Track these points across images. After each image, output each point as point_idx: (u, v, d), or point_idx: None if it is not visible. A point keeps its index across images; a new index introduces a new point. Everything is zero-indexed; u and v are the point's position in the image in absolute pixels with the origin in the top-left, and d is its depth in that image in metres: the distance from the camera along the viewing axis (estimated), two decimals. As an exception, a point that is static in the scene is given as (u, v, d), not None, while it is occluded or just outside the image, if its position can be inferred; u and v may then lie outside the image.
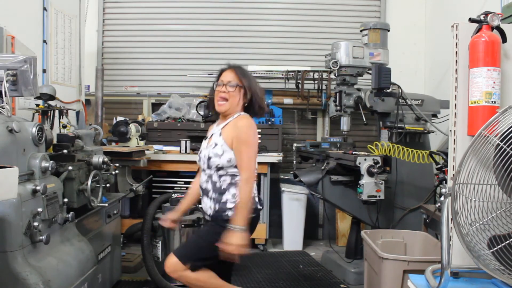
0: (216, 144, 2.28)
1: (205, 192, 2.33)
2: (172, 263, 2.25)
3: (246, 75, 2.37)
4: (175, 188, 4.41)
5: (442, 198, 1.64)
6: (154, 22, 5.36)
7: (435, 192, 3.62)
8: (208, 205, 2.31)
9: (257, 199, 2.37)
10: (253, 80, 2.39)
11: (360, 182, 3.31)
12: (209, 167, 2.29)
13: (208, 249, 2.22)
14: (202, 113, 4.80)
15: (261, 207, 2.40)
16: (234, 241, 2.12)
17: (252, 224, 2.29)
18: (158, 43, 5.36)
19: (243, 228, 2.15)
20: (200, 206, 2.41)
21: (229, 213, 2.23)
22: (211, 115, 4.56)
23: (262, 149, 4.52)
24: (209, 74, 5.02)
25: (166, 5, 5.37)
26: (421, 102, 3.82)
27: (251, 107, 2.38)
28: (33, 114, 3.31)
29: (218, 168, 2.26)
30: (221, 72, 2.38)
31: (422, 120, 3.74)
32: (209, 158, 2.27)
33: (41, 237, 2.02)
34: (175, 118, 4.85)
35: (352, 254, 3.80)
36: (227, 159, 2.24)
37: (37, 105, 3.26)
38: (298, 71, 4.79)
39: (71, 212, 2.37)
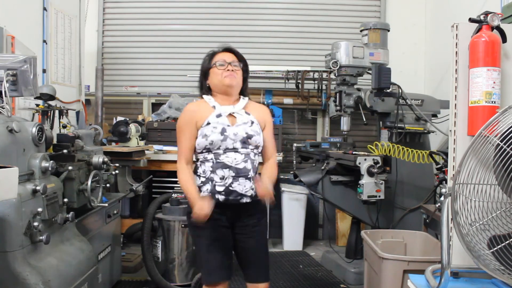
0: (252, 122, 2.20)
1: (243, 172, 2.14)
2: None
3: (242, 57, 2.31)
4: (175, 188, 4.39)
5: (442, 198, 1.64)
6: (154, 22, 5.36)
7: (435, 192, 3.61)
8: (248, 186, 2.14)
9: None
10: (247, 63, 2.34)
11: (360, 182, 3.31)
12: (245, 145, 2.16)
13: None
14: (202, 113, 4.79)
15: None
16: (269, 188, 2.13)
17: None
18: (158, 43, 5.36)
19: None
20: (232, 189, 2.13)
21: (253, 193, 2.20)
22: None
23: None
24: (209, 74, 5.02)
25: (166, 5, 5.37)
26: (421, 102, 3.82)
27: (244, 92, 2.33)
28: (33, 114, 3.31)
29: (256, 146, 2.19)
30: (216, 52, 2.27)
31: (422, 120, 3.74)
32: (249, 136, 2.16)
33: (41, 237, 2.02)
34: (175, 118, 4.84)
35: (352, 254, 3.80)
36: (262, 138, 2.23)
37: (37, 105, 3.26)
38: (298, 71, 4.79)
39: (71, 212, 2.36)
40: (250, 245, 2.25)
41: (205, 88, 2.28)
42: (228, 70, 2.19)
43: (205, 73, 2.27)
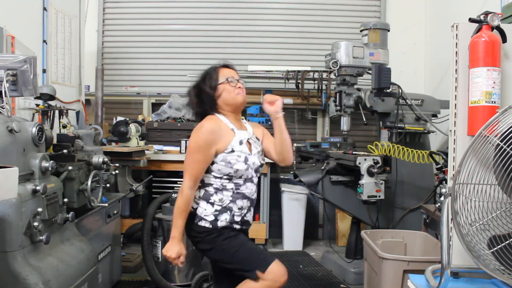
0: (261, 150, 2.24)
1: (252, 203, 2.22)
2: None
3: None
4: (175, 188, 4.38)
5: (442, 198, 1.64)
6: (154, 22, 5.36)
7: (435, 192, 3.62)
8: (251, 216, 2.22)
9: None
10: None
11: (360, 182, 3.31)
12: (257, 174, 2.19)
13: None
14: (202, 113, 4.80)
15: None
16: None
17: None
18: (158, 43, 5.36)
19: None
20: (246, 219, 2.17)
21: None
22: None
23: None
24: (209, 74, 5.02)
25: (166, 5, 5.37)
26: (421, 102, 3.82)
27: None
28: (33, 114, 3.31)
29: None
30: (221, 67, 2.23)
31: (422, 120, 3.74)
32: (261, 165, 2.21)
33: (41, 237, 2.02)
34: (175, 118, 4.85)
35: (352, 254, 3.80)
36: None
37: (37, 105, 3.26)
38: (298, 71, 4.79)
39: (71, 212, 2.36)
40: None
41: (214, 105, 2.18)
42: (238, 87, 2.17)
43: (214, 89, 2.16)
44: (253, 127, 2.28)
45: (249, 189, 2.15)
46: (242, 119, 2.30)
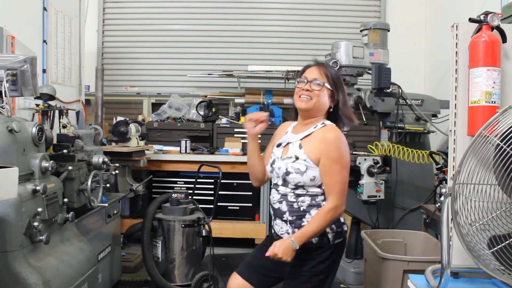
0: (297, 158, 1.93)
1: (278, 213, 1.99)
2: None
3: (335, 75, 2.03)
4: (175, 188, 4.40)
5: (442, 198, 1.64)
6: (154, 22, 5.36)
7: (435, 192, 3.62)
8: (284, 230, 1.97)
9: (342, 219, 2.02)
10: (342, 82, 2.05)
11: (360, 182, 3.31)
12: (285, 183, 1.96)
13: None
14: (202, 113, 4.80)
15: (346, 229, 2.06)
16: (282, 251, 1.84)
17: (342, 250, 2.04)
18: (158, 43, 5.37)
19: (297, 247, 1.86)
20: (274, 229, 2.05)
21: (314, 239, 1.91)
22: (211, 115, 4.48)
23: (261, 149, 4.52)
24: (209, 74, 5.03)
25: (166, 5, 5.37)
26: (421, 102, 3.82)
27: (335, 115, 2.03)
28: (33, 114, 3.31)
29: (297, 187, 1.93)
30: (305, 68, 2.07)
31: (422, 120, 3.74)
32: (287, 173, 1.93)
33: (41, 237, 2.02)
34: (175, 118, 4.85)
35: (352, 254, 3.80)
36: (311, 177, 1.90)
37: (37, 105, 3.26)
38: (298, 71, 4.77)
39: (71, 212, 2.36)
40: (285, 278, 2.03)
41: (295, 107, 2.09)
42: (304, 90, 1.97)
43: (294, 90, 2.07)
44: (314, 139, 1.95)
45: (272, 196, 2.03)
46: (323, 123, 2.00)
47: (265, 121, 2.04)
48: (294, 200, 1.95)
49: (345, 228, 2.03)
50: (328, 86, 1.98)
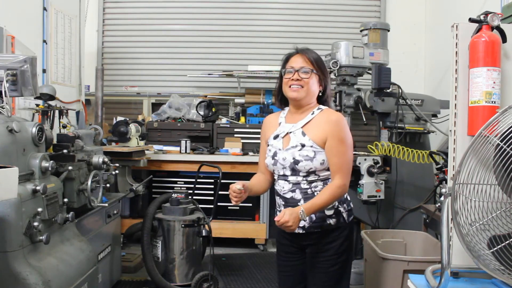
0: (303, 146, 1.95)
1: (290, 202, 1.99)
2: None
3: (318, 59, 2.02)
4: (175, 188, 4.40)
5: (442, 198, 1.63)
6: (154, 22, 5.36)
7: (435, 192, 3.62)
8: None
9: (349, 197, 2.10)
10: (325, 64, 2.06)
11: (360, 182, 3.31)
12: (295, 172, 1.97)
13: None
14: (202, 113, 4.80)
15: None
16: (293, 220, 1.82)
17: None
18: (158, 43, 5.37)
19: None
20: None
21: (331, 221, 1.98)
22: (211, 115, 4.48)
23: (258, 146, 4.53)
24: (209, 74, 5.03)
25: (166, 5, 5.38)
26: (421, 102, 3.82)
27: (323, 98, 2.05)
28: (33, 114, 3.31)
29: (309, 173, 1.96)
30: (288, 57, 2.04)
31: (422, 120, 3.74)
32: (296, 162, 1.94)
33: (41, 237, 2.02)
34: (175, 118, 4.85)
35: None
36: (320, 161, 1.94)
37: (37, 105, 3.26)
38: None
39: (71, 212, 2.36)
40: (310, 273, 2.07)
41: (281, 97, 2.08)
42: (294, 79, 1.96)
43: (280, 78, 2.05)
44: (316, 124, 1.98)
45: (280, 186, 2.03)
46: (319, 108, 2.03)
47: (243, 192, 1.98)
48: (308, 186, 1.99)
49: (352, 206, 2.12)
50: (316, 72, 2.00)
